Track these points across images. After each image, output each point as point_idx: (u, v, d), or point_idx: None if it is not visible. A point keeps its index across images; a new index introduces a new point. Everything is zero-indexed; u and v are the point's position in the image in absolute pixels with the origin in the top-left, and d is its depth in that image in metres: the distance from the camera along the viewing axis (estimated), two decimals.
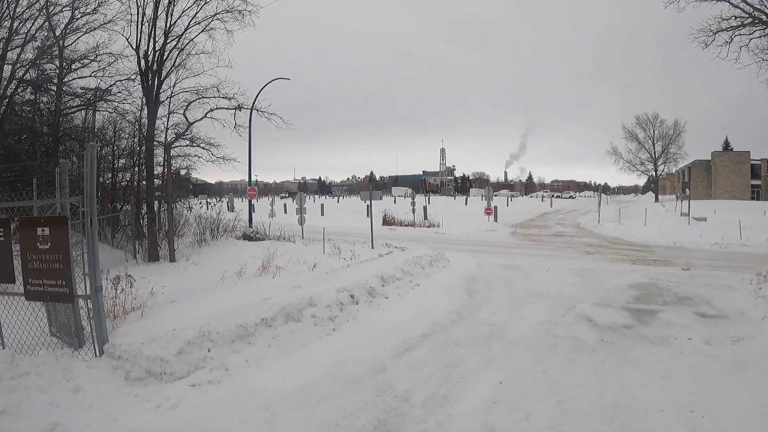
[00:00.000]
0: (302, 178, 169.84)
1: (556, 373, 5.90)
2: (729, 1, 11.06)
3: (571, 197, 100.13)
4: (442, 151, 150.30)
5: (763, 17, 10.77)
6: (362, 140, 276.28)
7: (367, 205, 17.12)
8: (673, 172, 79.96)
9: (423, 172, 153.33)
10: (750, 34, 11.23)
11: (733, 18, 11.19)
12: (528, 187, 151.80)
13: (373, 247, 15.29)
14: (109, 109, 17.43)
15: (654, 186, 79.05)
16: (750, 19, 10.99)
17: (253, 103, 19.34)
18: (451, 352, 6.57)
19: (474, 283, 11.13)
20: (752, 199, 60.94)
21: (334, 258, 13.30)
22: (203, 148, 17.10)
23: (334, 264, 12.00)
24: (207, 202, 21.76)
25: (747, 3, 10.92)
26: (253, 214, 23.30)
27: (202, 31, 16.37)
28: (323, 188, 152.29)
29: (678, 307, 9.42)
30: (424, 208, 33.22)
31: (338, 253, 13.95)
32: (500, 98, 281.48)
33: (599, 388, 5.47)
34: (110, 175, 17.26)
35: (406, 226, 27.19)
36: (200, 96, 16.89)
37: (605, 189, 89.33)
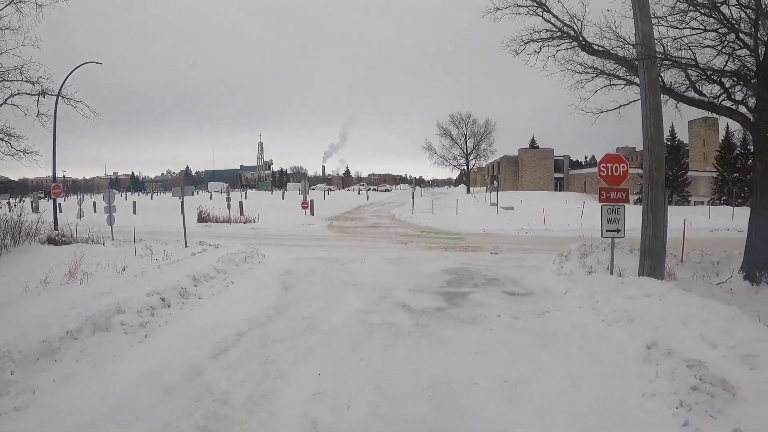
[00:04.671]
0: (114, 173, 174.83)
1: (373, 359, 6.44)
2: (542, 16, 13.24)
3: (387, 190, 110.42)
4: (260, 144, 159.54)
5: (572, 33, 13.11)
6: (179, 133, 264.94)
7: (181, 202, 16.66)
8: (484, 166, 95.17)
9: (240, 166, 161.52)
10: (558, 46, 13.55)
11: (545, 31, 13.43)
12: (345, 180, 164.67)
13: (186, 246, 15.52)
14: None
15: (466, 179, 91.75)
16: (559, 33, 13.31)
17: (60, 88, 18.64)
18: (269, 349, 6.84)
19: (290, 278, 11.77)
20: (555, 190, 74.94)
21: (146, 259, 13.68)
22: (1, 140, 15.18)
23: (146, 266, 12.04)
24: (8, 202, 19.41)
25: (558, 19, 13.15)
26: (59, 214, 23.66)
27: (9, 3, 14.40)
28: (136, 184, 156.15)
29: (488, 288, 10.96)
30: (240, 203, 33.83)
31: (150, 254, 14.10)
32: (326, 93, 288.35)
33: (416, 370, 6.09)
34: None
35: (222, 222, 28.88)
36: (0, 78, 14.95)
37: (420, 182, 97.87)
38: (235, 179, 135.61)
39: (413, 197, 40.57)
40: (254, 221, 28.53)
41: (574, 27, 12.70)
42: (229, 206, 31.06)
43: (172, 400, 5.29)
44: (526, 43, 13.22)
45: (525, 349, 6.93)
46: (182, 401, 5.25)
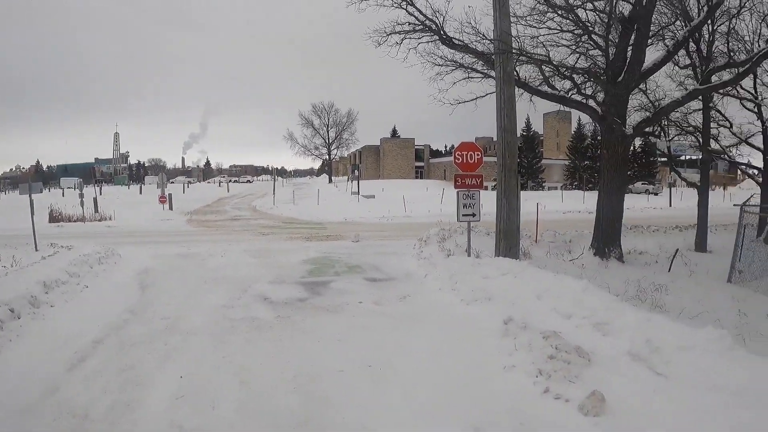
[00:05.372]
0: None
1: (236, 356, 6.23)
2: (406, 9, 13.59)
3: (248, 181, 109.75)
4: (116, 135, 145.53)
5: (434, 27, 13.61)
6: (29, 123, 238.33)
7: (30, 201, 15.27)
8: (346, 155, 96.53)
9: (95, 159, 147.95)
10: (419, 39, 14.08)
11: (408, 24, 13.82)
12: (206, 172, 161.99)
13: (37, 249, 14.32)
14: None
15: (328, 169, 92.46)
16: (421, 27, 13.79)
17: None
18: (128, 354, 6.39)
19: (148, 277, 11.16)
20: (417, 178, 78.31)
21: None
22: None
23: None
24: None
25: (421, 13, 13.57)
26: None
27: None
28: None
29: (349, 276, 11.10)
30: (95, 200, 31.35)
31: None
32: (187, 81, 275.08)
33: (280, 362, 5.97)
34: None
35: (75, 221, 26.98)
36: None
37: (282, 172, 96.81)
38: (90, 174, 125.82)
39: (274, 188, 40.52)
40: (110, 219, 26.95)
41: (436, 21, 13.17)
42: (82, 204, 28.95)
43: (31, 421, 4.81)
44: (388, 35, 13.53)
45: (388, 333, 7.04)
46: (42, 421, 4.78)
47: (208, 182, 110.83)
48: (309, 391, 5.23)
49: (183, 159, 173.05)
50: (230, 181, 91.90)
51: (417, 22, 13.30)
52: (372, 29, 13.56)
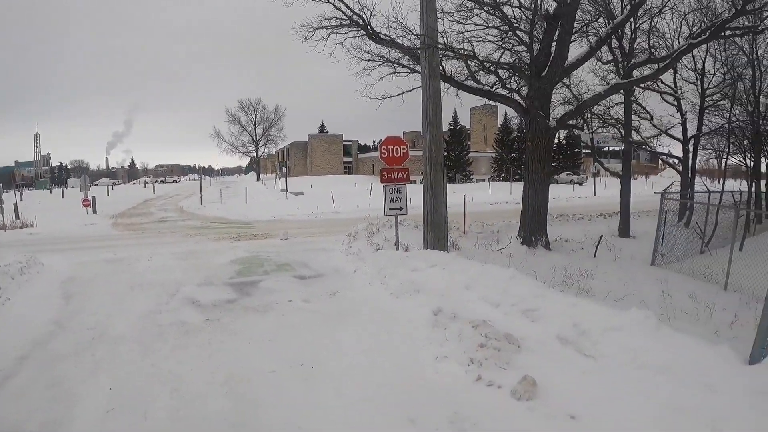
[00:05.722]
0: None
1: (166, 363, 6.04)
2: (333, 4, 13.48)
3: (175, 181, 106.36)
4: (37, 136, 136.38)
5: (361, 21, 13.58)
6: None
7: None
8: (274, 152, 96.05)
9: (16, 162, 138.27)
10: (346, 34, 14.01)
11: (335, 18, 13.77)
12: (131, 173, 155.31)
13: None
14: None
15: (256, 166, 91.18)
16: (348, 22, 13.74)
17: None
18: (55, 369, 6.09)
19: (73, 285, 10.63)
20: (345, 173, 78.44)
21: None
22: None
23: None
24: None
25: (349, 8, 13.52)
26: None
27: None
28: None
29: (278, 274, 10.95)
30: (15, 206, 29.55)
31: None
32: (111, 78, 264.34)
33: (211, 367, 5.83)
34: None
35: None
36: None
37: (209, 171, 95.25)
38: (10, 178, 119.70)
39: (201, 187, 39.63)
40: (32, 225, 25.54)
41: (363, 16, 13.20)
42: (1, 210, 27.57)
43: None
44: (315, 30, 13.45)
45: (319, 330, 7.01)
46: None
47: (134, 183, 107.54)
48: (241, 393, 5.15)
49: (107, 160, 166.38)
50: (156, 181, 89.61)
51: (344, 16, 13.29)
52: (299, 24, 13.48)
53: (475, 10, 13.40)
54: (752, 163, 20.77)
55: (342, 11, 13.22)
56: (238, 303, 8.65)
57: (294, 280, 10.21)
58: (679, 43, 15.85)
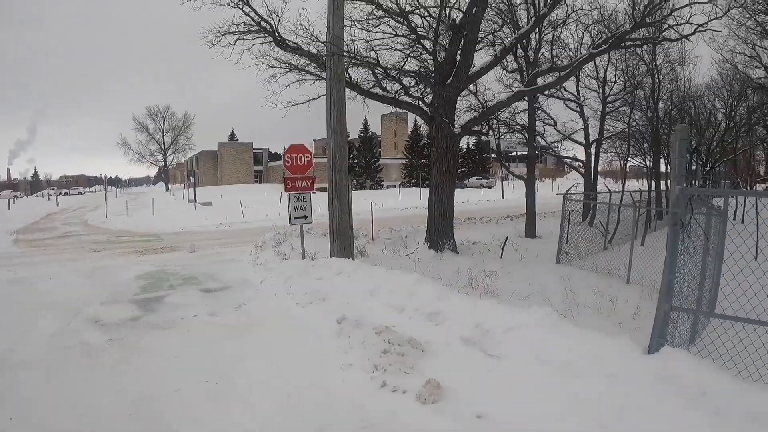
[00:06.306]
0: None
1: (72, 388, 5.73)
2: (242, 9, 13.39)
3: (80, 193, 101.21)
4: None
5: (268, 28, 13.56)
6: None
7: None
8: (183, 161, 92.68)
9: None
10: (253, 40, 13.97)
11: (243, 24, 13.66)
12: (34, 184, 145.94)
13: None
14: None
15: (164, 176, 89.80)
16: (256, 28, 13.68)
17: None
18: None
19: None
20: (256, 182, 77.95)
21: None
22: None
23: None
24: None
25: (257, 14, 13.44)
26: None
27: None
28: None
29: (184, 288, 10.72)
30: None
31: None
32: (13, 84, 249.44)
33: (117, 388, 5.61)
34: None
35: None
36: None
37: (116, 182, 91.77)
38: None
39: (106, 199, 38.31)
40: None
41: (271, 22, 13.21)
42: None
43: None
44: (222, 35, 13.36)
45: (224, 344, 6.90)
46: None
47: (36, 196, 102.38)
48: (148, 415, 4.96)
49: (9, 170, 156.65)
50: (60, 193, 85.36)
51: (252, 22, 13.26)
52: (206, 29, 13.32)
53: (383, 19, 13.61)
54: (651, 164, 22.29)
55: (250, 17, 13.20)
56: (143, 320, 8.33)
57: (200, 294, 10.02)
58: (581, 53, 16.65)
